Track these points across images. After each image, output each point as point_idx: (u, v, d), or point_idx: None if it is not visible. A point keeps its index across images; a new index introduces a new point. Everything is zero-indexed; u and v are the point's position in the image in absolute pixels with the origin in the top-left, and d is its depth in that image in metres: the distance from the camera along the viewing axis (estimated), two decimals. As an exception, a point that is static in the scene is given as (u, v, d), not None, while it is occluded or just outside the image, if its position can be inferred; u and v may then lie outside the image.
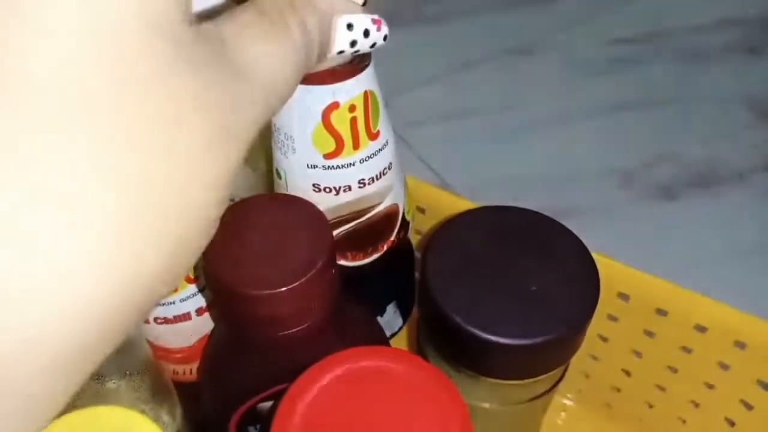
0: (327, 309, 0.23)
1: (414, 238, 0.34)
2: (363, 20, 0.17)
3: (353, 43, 0.17)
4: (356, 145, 0.23)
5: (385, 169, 0.25)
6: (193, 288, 0.27)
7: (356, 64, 0.22)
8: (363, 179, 0.24)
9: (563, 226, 0.27)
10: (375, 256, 0.27)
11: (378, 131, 0.24)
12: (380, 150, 0.24)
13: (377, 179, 0.25)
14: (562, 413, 0.37)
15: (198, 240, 0.12)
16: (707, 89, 0.58)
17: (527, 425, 0.31)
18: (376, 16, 0.18)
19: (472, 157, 0.54)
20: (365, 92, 0.23)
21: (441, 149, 0.54)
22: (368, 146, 0.24)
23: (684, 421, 0.33)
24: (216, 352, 0.26)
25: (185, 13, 0.11)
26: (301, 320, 0.22)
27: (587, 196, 0.51)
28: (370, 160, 0.24)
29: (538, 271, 0.25)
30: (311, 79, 0.21)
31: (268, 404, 0.24)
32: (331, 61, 0.17)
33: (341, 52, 0.17)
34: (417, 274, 0.28)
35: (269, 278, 0.21)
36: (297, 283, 0.21)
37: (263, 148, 0.28)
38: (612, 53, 0.62)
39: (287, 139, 0.24)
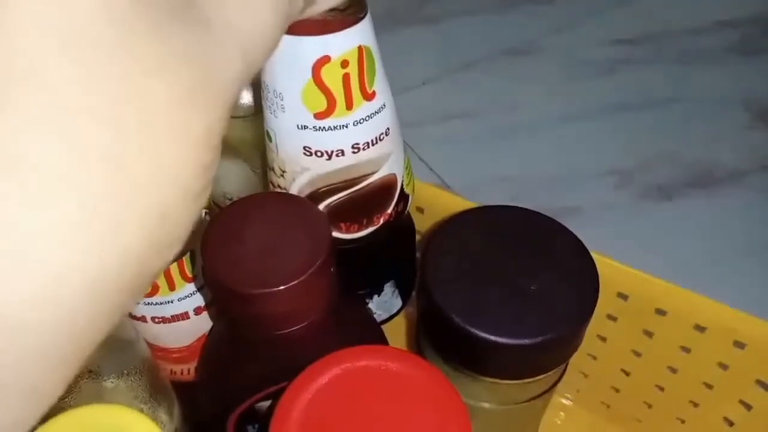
0: (325, 308, 0.23)
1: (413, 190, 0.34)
2: None
3: None
4: (349, 105, 0.22)
5: (381, 134, 0.23)
6: (191, 287, 0.27)
7: (349, 14, 0.20)
8: (357, 143, 0.23)
9: (562, 226, 0.27)
10: (370, 228, 0.26)
11: (374, 92, 0.22)
12: (376, 113, 0.23)
13: (373, 144, 0.23)
14: (561, 413, 0.37)
15: (183, 211, 0.11)
16: (705, 90, 0.59)
17: (526, 425, 0.31)
18: None
19: (471, 158, 0.54)
20: (359, 47, 0.21)
21: (440, 150, 0.54)
22: (363, 107, 0.22)
23: (683, 421, 0.33)
24: (214, 351, 0.26)
25: None
26: (299, 319, 0.22)
27: (585, 196, 0.51)
28: (365, 122, 0.23)
29: (537, 271, 0.25)
30: (300, 29, 0.20)
31: (267, 403, 0.24)
32: (321, 4, 0.16)
33: None
34: (418, 255, 0.27)
35: (268, 277, 0.21)
36: (295, 281, 0.21)
37: (261, 149, 0.28)
38: (610, 54, 0.62)
39: (276, 97, 0.22)
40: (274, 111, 0.23)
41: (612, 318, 0.31)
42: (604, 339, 0.33)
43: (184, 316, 0.28)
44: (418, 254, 0.30)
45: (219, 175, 0.31)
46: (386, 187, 0.25)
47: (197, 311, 0.28)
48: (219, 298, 0.23)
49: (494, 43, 0.63)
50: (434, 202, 0.33)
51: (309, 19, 0.18)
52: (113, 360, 0.23)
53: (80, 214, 0.10)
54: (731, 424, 0.31)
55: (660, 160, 0.53)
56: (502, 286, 0.25)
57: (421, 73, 0.61)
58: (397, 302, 0.31)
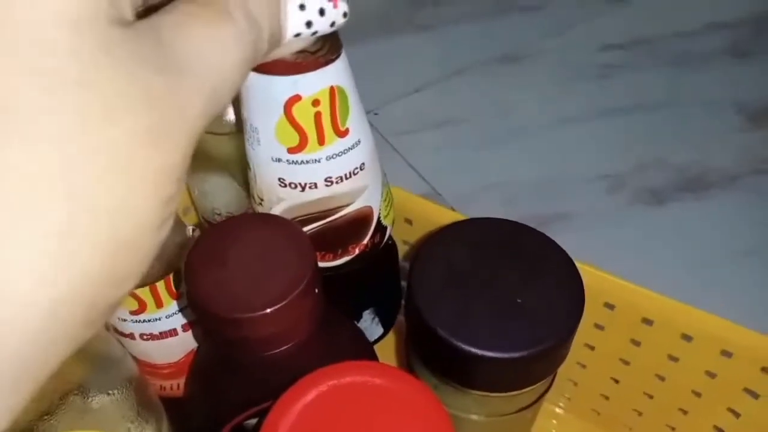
0: (312, 328, 0.23)
1: (402, 249, 0.34)
2: (316, 1, 0.16)
3: (309, 24, 0.16)
4: (321, 141, 0.23)
5: (356, 168, 0.24)
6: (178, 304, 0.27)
7: (320, 56, 0.21)
8: (330, 177, 0.24)
9: (548, 238, 0.27)
10: (345, 258, 0.27)
11: (347, 129, 0.23)
12: (350, 149, 0.23)
13: (347, 178, 0.24)
14: (553, 421, 0.37)
15: (143, 241, 0.11)
16: (697, 94, 0.59)
17: (516, 435, 0.31)
18: None
19: (462, 164, 0.54)
20: (331, 87, 0.22)
21: (431, 156, 0.54)
22: (335, 143, 0.23)
23: (673, 429, 0.33)
24: (202, 369, 0.26)
25: (112, 15, 0.11)
26: (285, 340, 0.22)
27: (577, 201, 0.51)
28: (338, 157, 0.23)
29: (524, 284, 0.25)
30: (272, 68, 0.21)
31: (255, 421, 0.24)
32: (290, 46, 0.16)
33: (298, 34, 0.16)
34: (404, 284, 0.28)
35: (252, 300, 0.21)
36: (280, 304, 0.21)
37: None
38: (601, 59, 0.62)
39: (252, 131, 0.23)
40: (252, 143, 0.23)
41: (599, 327, 0.31)
42: (592, 348, 0.33)
43: (173, 332, 0.28)
44: (403, 282, 0.30)
45: (207, 191, 0.32)
46: (362, 219, 0.26)
47: (185, 328, 0.28)
48: (203, 321, 0.23)
49: (486, 50, 0.63)
50: (422, 214, 0.33)
51: (281, 60, 0.20)
52: (100, 378, 0.23)
53: (33, 243, 0.10)
54: (721, 431, 0.31)
55: (652, 164, 0.53)
56: (489, 299, 0.25)
57: (414, 80, 0.61)
58: (378, 329, 0.31)
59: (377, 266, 0.29)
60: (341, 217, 0.25)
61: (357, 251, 0.27)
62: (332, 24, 0.17)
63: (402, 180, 0.37)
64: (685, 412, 0.32)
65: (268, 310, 0.20)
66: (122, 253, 0.11)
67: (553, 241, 0.27)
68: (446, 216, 0.32)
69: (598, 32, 0.64)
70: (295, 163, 0.23)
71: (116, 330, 0.28)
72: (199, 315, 0.22)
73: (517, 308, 0.25)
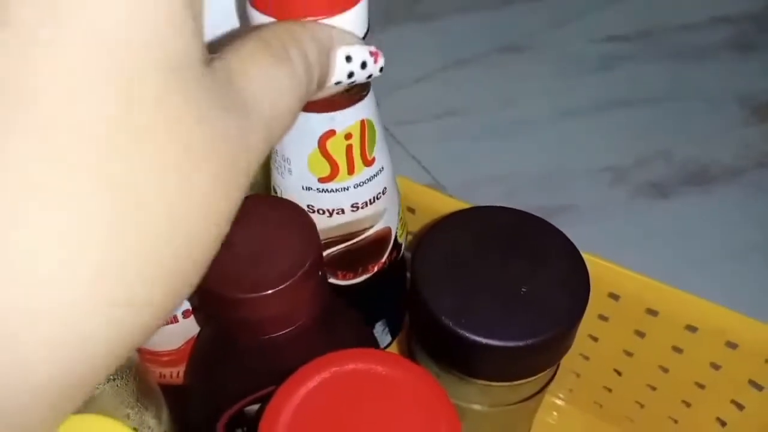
0: (315, 311, 0.23)
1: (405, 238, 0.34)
2: (361, 52, 0.18)
3: (350, 75, 0.17)
4: (351, 171, 0.24)
5: (378, 194, 0.25)
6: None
7: (354, 93, 0.22)
8: (356, 203, 0.25)
9: (553, 227, 0.26)
10: (365, 276, 0.28)
11: (373, 158, 0.24)
12: (375, 176, 0.25)
13: (370, 203, 0.25)
14: (554, 413, 0.37)
15: (194, 275, 0.12)
16: (700, 87, 0.58)
17: (517, 426, 0.31)
18: (373, 48, 0.18)
19: (464, 155, 0.54)
20: (362, 121, 0.23)
21: (433, 147, 0.54)
22: (363, 172, 0.24)
23: (675, 421, 0.33)
24: (203, 355, 0.26)
25: (203, 55, 0.11)
26: (288, 323, 0.22)
27: (579, 193, 0.50)
28: (365, 185, 0.25)
29: (528, 273, 0.25)
30: (309, 106, 0.21)
31: (256, 407, 0.24)
32: (329, 90, 0.17)
33: (339, 82, 0.17)
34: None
35: (255, 281, 0.20)
36: (283, 285, 0.20)
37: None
38: (604, 51, 0.62)
39: (284, 161, 0.24)
40: (282, 172, 0.24)
41: (603, 318, 0.31)
42: (596, 339, 0.32)
43: (173, 319, 0.27)
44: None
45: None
46: (381, 239, 0.27)
47: (186, 314, 0.28)
48: (206, 302, 0.22)
49: (488, 41, 0.63)
50: (426, 203, 0.33)
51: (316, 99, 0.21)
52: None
53: (100, 273, 0.10)
54: (724, 424, 0.31)
55: (655, 158, 0.53)
56: (493, 287, 0.25)
57: (415, 70, 0.60)
58: (387, 338, 0.32)
59: (391, 279, 0.29)
60: (363, 239, 0.26)
61: (375, 269, 0.28)
62: (369, 76, 0.18)
63: (404, 170, 0.37)
64: (688, 405, 0.32)
65: (270, 291, 0.20)
66: (176, 288, 0.11)
67: (558, 230, 0.26)
68: (449, 205, 0.32)
69: (602, 24, 0.64)
70: (325, 192, 0.24)
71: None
72: (201, 296, 0.22)
73: (522, 297, 0.24)
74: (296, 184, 0.24)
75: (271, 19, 0.18)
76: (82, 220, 0.09)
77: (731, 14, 0.64)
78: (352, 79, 0.18)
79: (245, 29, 0.15)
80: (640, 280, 0.29)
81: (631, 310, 0.30)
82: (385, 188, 0.26)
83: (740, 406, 0.30)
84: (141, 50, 0.10)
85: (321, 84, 0.16)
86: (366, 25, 0.20)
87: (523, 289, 0.24)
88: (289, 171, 0.24)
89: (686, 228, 0.48)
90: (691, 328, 0.29)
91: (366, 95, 0.23)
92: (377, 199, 0.25)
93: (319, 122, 0.22)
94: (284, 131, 0.14)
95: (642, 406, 0.34)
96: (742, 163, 0.52)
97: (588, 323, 0.26)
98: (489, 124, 0.56)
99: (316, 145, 0.23)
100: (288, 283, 0.21)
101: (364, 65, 0.18)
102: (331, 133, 0.22)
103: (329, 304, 0.23)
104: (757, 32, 0.63)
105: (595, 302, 0.25)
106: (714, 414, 0.31)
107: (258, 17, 0.19)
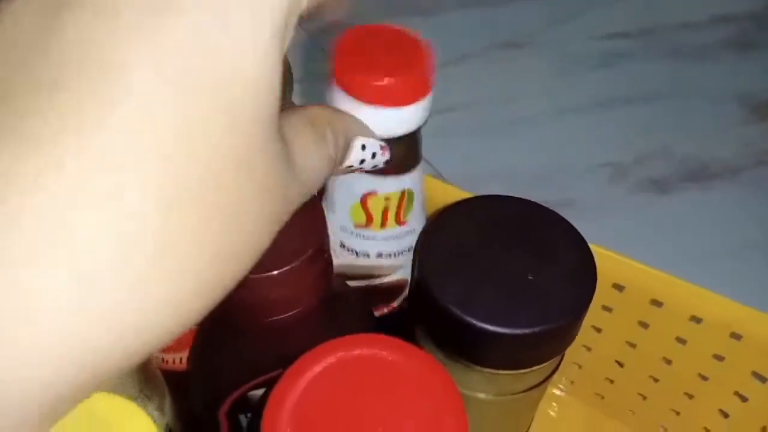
0: (318, 295, 0.22)
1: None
2: (374, 145, 0.21)
3: (361, 161, 0.20)
4: (383, 225, 0.27)
5: (404, 250, 0.28)
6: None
7: (402, 166, 0.25)
8: (381, 252, 0.27)
9: (559, 216, 0.26)
10: (376, 313, 0.30)
11: (406, 221, 0.27)
12: (404, 235, 0.27)
13: (395, 256, 0.28)
14: (555, 404, 0.37)
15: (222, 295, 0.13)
16: (700, 85, 0.58)
17: (520, 416, 0.31)
18: (383, 143, 0.21)
19: (465, 151, 0.54)
20: (403, 191, 0.26)
21: (434, 142, 0.53)
22: (394, 229, 0.27)
23: (678, 413, 0.33)
24: (205, 339, 0.26)
25: (278, 116, 0.13)
26: (291, 305, 0.22)
27: (579, 190, 0.50)
28: (393, 240, 0.27)
29: (535, 261, 0.25)
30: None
31: (259, 392, 0.24)
32: (340, 171, 0.20)
33: (350, 166, 0.20)
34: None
35: (261, 262, 0.20)
36: (288, 267, 0.20)
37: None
38: (605, 48, 0.62)
39: (331, 201, 0.27)
40: (327, 208, 0.27)
41: (607, 309, 0.31)
42: (599, 330, 0.32)
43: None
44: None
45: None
46: (396, 288, 0.29)
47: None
48: None
49: (488, 37, 0.63)
50: (431, 192, 0.33)
51: None
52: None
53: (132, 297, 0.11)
54: (726, 416, 0.31)
55: (655, 155, 0.53)
56: (499, 276, 0.24)
57: (416, 65, 0.60)
58: None
59: (396, 323, 0.31)
60: (381, 282, 0.29)
61: (385, 311, 0.30)
62: (375, 166, 0.21)
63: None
64: (690, 396, 0.32)
65: (276, 272, 0.20)
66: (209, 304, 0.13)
67: (564, 219, 0.26)
68: (455, 194, 0.31)
69: (603, 21, 0.64)
70: (357, 236, 0.27)
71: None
72: None
73: (528, 285, 0.24)
74: (336, 222, 0.27)
75: (350, 99, 0.22)
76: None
77: (732, 13, 0.65)
78: (362, 166, 0.20)
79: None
80: (646, 271, 0.29)
81: (636, 300, 0.30)
82: (411, 247, 0.28)
83: (743, 398, 0.30)
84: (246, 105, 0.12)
85: (339, 163, 0.19)
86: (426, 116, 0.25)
87: (529, 278, 0.24)
88: (333, 210, 0.27)
89: (686, 225, 0.48)
90: (696, 319, 0.29)
91: (413, 169, 0.26)
92: (401, 254, 0.28)
93: (365, 182, 0.25)
94: (315, 188, 0.16)
95: (644, 398, 0.34)
96: (742, 160, 0.53)
97: (591, 314, 0.26)
98: (489, 120, 0.56)
99: (358, 200, 0.26)
100: (293, 264, 0.21)
101: (374, 155, 0.21)
102: (373, 193, 0.25)
103: (334, 288, 0.23)
104: (757, 31, 0.63)
105: (599, 293, 0.25)
106: (717, 406, 0.31)
107: (339, 95, 0.22)
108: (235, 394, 0.23)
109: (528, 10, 0.66)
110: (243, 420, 0.25)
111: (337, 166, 0.19)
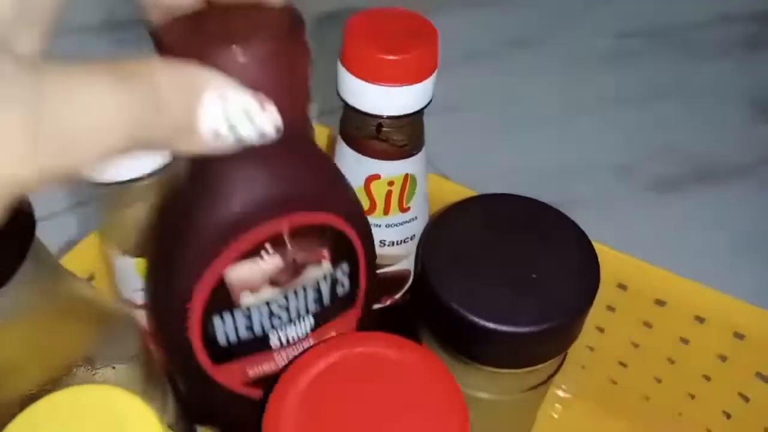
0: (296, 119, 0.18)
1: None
2: (241, 98, 0.15)
3: (232, 126, 0.15)
4: (386, 212, 0.27)
5: (407, 238, 0.28)
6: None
7: (405, 149, 0.26)
8: (384, 240, 0.27)
9: (563, 214, 0.26)
10: (378, 305, 0.30)
11: (409, 207, 0.27)
12: (407, 222, 0.27)
13: (397, 244, 0.28)
14: (558, 405, 0.37)
15: None
16: (709, 84, 0.58)
17: (522, 417, 0.31)
18: (261, 96, 0.16)
19: (472, 150, 0.54)
20: (406, 175, 0.26)
21: (440, 142, 0.53)
22: (397, 215, 0.27)
23: (680, 414, 0.33)
24: (169, 204, 0.21)
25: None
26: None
27: (587, 188, 0.50)
28: (396, 227, 0.27)
29: (538, 259, 0.25)
30: (363, 150, 0.25)
31: (240, 275, 0.20)
32: (208, 143, 0.15)
33: (217, 133, 0.15)
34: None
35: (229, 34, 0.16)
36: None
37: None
38: (613, 47, 0.62)
39: None
40: None
41: (611, 309, 0.31)
42: (602, 330, 0.32)
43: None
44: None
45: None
46: (399, 278, 0.30)
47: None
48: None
49: (496, 35, 0.63)
50: (435, 191, 0.33)
51: (370, 144, 0.25)
52: (106, 350, 0.23)
53: None
54: (729, 416, 0.31)
55: (663, 153, 0.53)
56: (503, 274, 0.25)
57: (423, 64, 0.60)
58: None
59: (399, 315, 0.31)
60: (383, 273, 0.29)
61: (388, 302, 0.30)
62: (261, 134, 0.16)
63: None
64: (693, 397, 0.32)
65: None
66: None
67: (569, 218, 0.26)
68: (459, 193, 0.31)
69: (611, 20, 0.64)
70: None
71: (129, 301, 0.27)
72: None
73: (531, 283, 0.24)
74: None
75: (357, 78, 0.23)
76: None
77: (741, 13, 0.64)
78: (238, 135, 0.15)
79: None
80: (650, 270, 0.29)
81: (639, 300, 0.30)
82: (414, 235, 0.28)
83: (746, 399, 0.30)
84: None
85: (186, 127, 0.14)
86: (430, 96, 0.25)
87: (533, 276, 0.24)
88: None
89: (693, 224, 0.48)
90: (700, 319, 0.29)
91: (416, 154, 0.26)
92: (404, 242, 0.28)
93: (369, 165, 0.25)
94: (98, 152, 0.13)
95: (647, 398, 0.34)
96: (750, 159, 0.52)
97: (595, 314, 0.26)
98: (496, 119, 0.56)
99: (362, 183, 0.26)
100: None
101: (246, 115, 0.15)
102: (377, 176, 0.26)
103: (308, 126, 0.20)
104: (765, 30, 0.63)
105: (603, 292, 0.25)
106: (720, 407, 0.31)
107: (345, 74, 0.23)
108: (210, 274, 0.19)
109: (535, 9, 0.66)
110: (220, 327, 0.21)
111: (184, 131, 0.14)
